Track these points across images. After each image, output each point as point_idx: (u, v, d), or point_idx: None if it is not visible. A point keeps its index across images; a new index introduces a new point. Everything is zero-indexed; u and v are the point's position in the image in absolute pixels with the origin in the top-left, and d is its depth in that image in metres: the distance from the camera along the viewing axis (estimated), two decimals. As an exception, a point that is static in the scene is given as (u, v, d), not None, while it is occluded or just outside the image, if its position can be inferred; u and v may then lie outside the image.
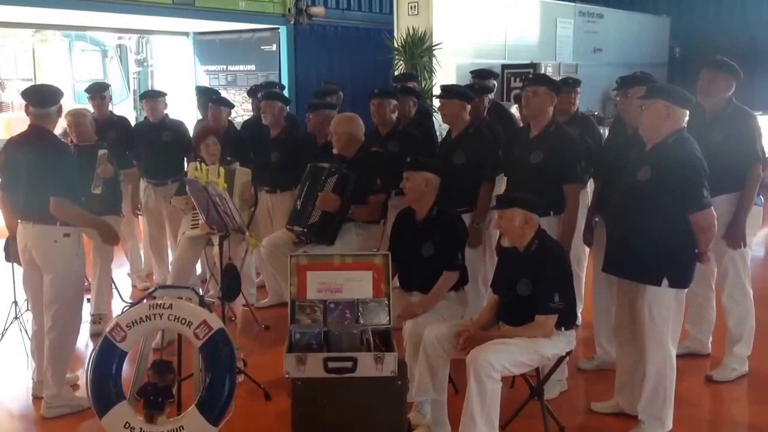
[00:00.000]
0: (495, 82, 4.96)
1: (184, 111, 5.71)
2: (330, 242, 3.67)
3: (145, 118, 5.33)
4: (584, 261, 4.17)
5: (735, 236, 3.48)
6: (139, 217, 5.33)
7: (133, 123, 6.13)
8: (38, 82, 9.23)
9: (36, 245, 3.28)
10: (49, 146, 3.27)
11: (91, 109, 4.94)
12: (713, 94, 3.50)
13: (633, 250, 2.92)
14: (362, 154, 3.87)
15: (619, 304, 3.17)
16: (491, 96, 4.70)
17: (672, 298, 2.92)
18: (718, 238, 3.51)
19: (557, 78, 4.66)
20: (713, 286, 3.77)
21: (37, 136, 3.28)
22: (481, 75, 4.99)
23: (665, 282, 2.87)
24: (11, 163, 3.32)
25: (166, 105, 5.10)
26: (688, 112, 2.91)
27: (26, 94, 3.35)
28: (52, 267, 3.29)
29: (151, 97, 5.06)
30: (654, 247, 2.86)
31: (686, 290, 2.97)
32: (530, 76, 4.06)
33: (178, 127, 5.07)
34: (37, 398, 3.45)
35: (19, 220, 3.34)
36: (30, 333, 3.58)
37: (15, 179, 3.31)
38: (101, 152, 4.25)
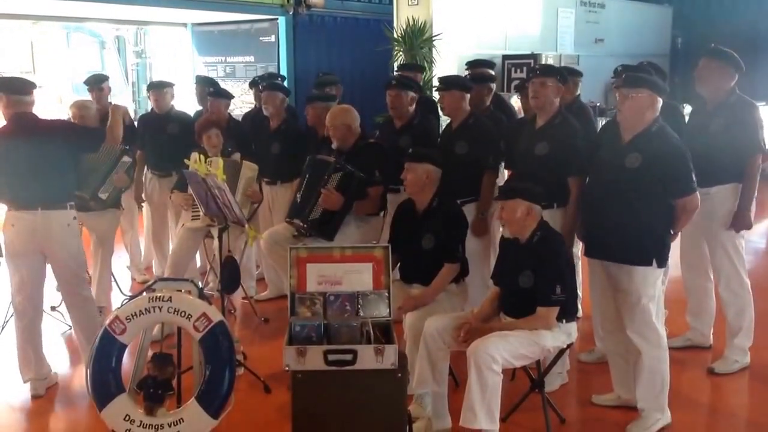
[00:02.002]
0: (492, 72, 4.93)
1: (183, 102, 5.66)
2: (330, 238, 3.62)
3: (151, 109, 5.30)
4: (579, 253, 4.16)
5: (742, 224, 3.50)
6: (142, 209, 5.32)
7: (132, 115, 6.10)
8: (37, 75, 9.19)
9: (49, 230, 3.32)
10: (61, 125, 3.53)
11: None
12: (708, 82, 3.50)
13: (622, 234, 2.96)
14: (360, 146, 3.83)
15: (604, 294, 3.18)
16: (492, 86, 4.65)
17: (658, 277, 3.02)
18: (714, 230, 3.52)
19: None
20: (711, 277, 3.76)
21: (38, 121, 3.36)
22: (473, 65, 4.96)
23: (654, 262, 2.95)
24: (11, 154, 3.27)
25: (172, 96, 5.06)
26: (661, 101, 2.97)
27: (8, 84, 3.37)
28: (67, 249, 3.40)
29: (157, 88, 5.01)
30: (643, 230, 2.94)
31: (663, 269, 3.07)
32: (537, 66, 4.04)
33: (184, 119, 5.03)
34: (37, 398, 3.42)
35: (15, 210, 3.31)
36: (21, 330, 3.43)
37: (17, 169, 3.28)
38: (125, 160, 4.17)
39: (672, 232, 3.04)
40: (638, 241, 2.94)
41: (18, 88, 3.31)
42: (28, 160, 3.27)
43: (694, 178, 2.94)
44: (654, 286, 3.00)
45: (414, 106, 4.15)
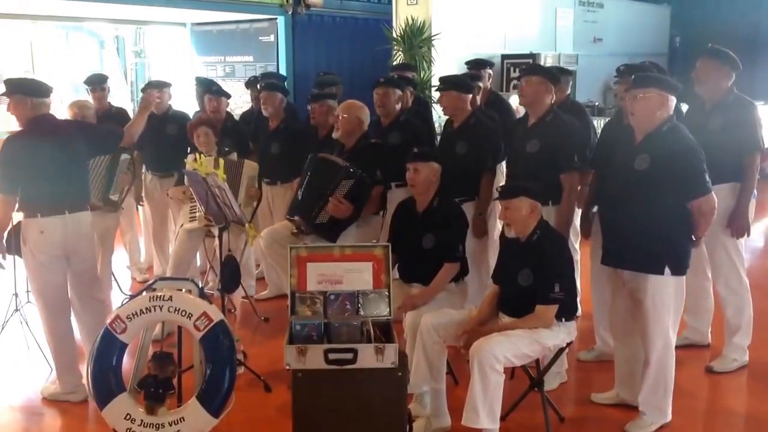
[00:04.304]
0: (490, 71, 4.94)
1: (182, 102, 5.66)
2: (333, 240, 3.60)
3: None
4: (577, 252, 4.16)
5: (739, 226, 3.47)
6: (140, 209, 5.32)
7: (131, 114, 6.10)
8: (37, 75, 9.19)
9: (78, 233, 3.30)
10: (81, 126, 3.57)
11: (91, 101, 4.92)
12: (706, 82, 3.49)
13: (634, 241, 2.91)
14: (362, 145, 3.83)
15: (616, 296, 3.15)
16: (488, 84, 4.66)
17: (673, 285, 2.94)
18: (713, 229, 3.51)
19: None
20: (709, 276, 3.75)
21: (59, 123, 3.38)
22: (471, 65, 4.97)
23: (667, 270, 2.89)
24: (38, 158, 3.18)
25: (170, 96, 5.07)
26: (675, 99, 2.93)
27: (29, 87, 3.28)
28: (91, 250, 3.46)
29: (156, 88, 5.02)
30: (655, 236, 2.87)
31: (684, 277, 2.99)
32: (523, 66, 4.06)
33: (183, 119, 5.03)
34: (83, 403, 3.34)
35: (42, 216, 3.17)
36: (62, 335, 3.34)
37: (45, 173, 3.18)
38: (124, 157, 4.09)
39: (693, 238, 2.95)
40: (648, 248, 2.87)
41: (40, 91, 3.27)
42: (55, 163, 3.21)
43: (708, 179, 2.85)
44: (669, 294, 2.91)
45: (401, 104, 4.22)
